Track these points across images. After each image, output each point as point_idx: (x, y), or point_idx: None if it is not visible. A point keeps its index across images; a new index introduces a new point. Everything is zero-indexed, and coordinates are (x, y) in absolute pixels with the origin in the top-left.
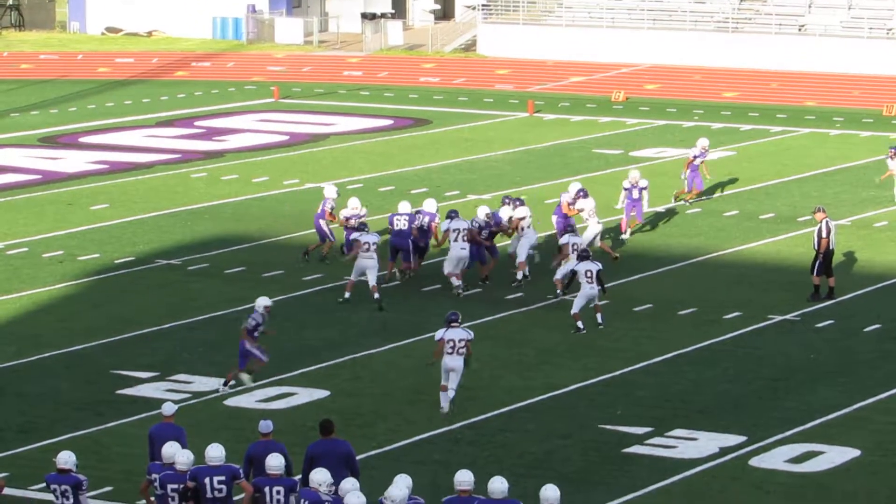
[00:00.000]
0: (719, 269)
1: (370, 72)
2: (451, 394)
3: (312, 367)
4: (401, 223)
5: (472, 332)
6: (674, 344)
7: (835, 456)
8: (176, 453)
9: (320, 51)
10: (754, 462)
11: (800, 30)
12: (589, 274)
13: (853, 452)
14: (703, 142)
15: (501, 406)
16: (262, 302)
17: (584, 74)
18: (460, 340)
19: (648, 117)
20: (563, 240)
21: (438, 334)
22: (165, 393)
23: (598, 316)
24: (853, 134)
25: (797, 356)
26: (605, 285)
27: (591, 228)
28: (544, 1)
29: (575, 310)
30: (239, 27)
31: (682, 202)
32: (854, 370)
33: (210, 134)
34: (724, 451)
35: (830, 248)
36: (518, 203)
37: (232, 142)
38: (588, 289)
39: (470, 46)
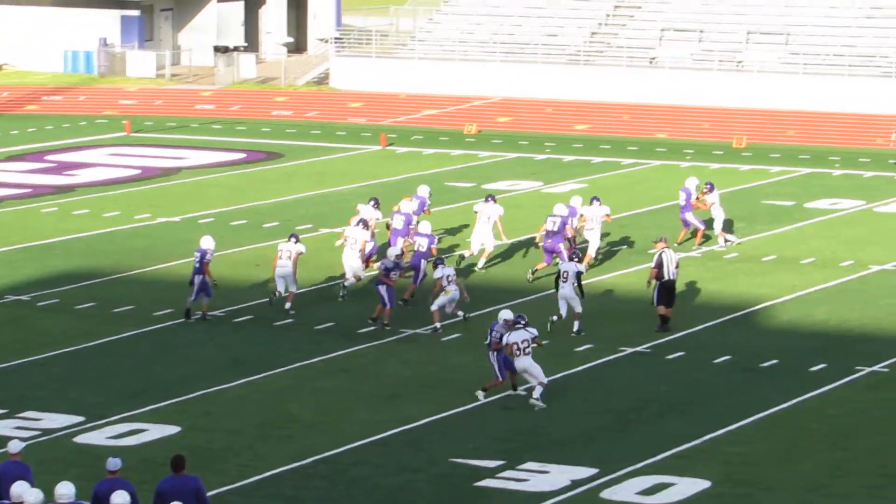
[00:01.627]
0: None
1: (222, 105)
2: (538, 391)
3: (163, 403)
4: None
5: (535, 330)
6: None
7: (685, 487)
8: (23, 492)
9: (172, 84)
10: (606, 494)
11: (650, 62)
12: (566, 275)
13: (703, 483)
14: (692, 182)
15: (354, 440)
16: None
17: (436, 107)
18: (523, 341)
19: (501, 150)
20: (436, 273)
21: (505, 339)
22: (14, 430)
23: (576, 324)
24: (704, 166)
25: (648, 388)
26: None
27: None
28: (397, 34)
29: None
30: (90, 61)
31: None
32: (704, 402)
33: (61, 168)
34: (575, 484)
35: (669, 278)
36: (439, 263)
37: (83, 176)
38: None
39: (323, 79)
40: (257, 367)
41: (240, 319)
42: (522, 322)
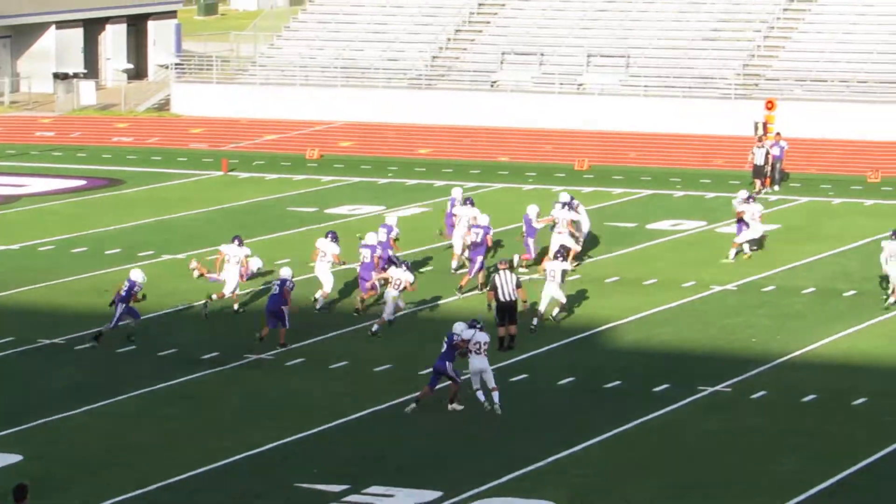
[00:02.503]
0: (417, 325)
1: (63, 132)
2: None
3: (5, 432)
4: (274, 287)
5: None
6: (371, 401)
7: None
8: None
9: (12, 111)
10: None
11: (492, 86)
12: (553, 273)
13: None
14: (533, 209)
15: (199, 466)
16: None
17: (278, 132)
18: (485, 343)
19: (343, 174)
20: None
21: (467, 334)
22: None
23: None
24: (546, 188)
25: (492, 411)
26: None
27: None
28: (238, 59)
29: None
30: None
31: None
32: (549, 423)
33: None
34: None
35: (505, 299)
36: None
37: None
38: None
39: (163, 105)
40: (101, 395)
41: (82, 347)
42: (479, 325)
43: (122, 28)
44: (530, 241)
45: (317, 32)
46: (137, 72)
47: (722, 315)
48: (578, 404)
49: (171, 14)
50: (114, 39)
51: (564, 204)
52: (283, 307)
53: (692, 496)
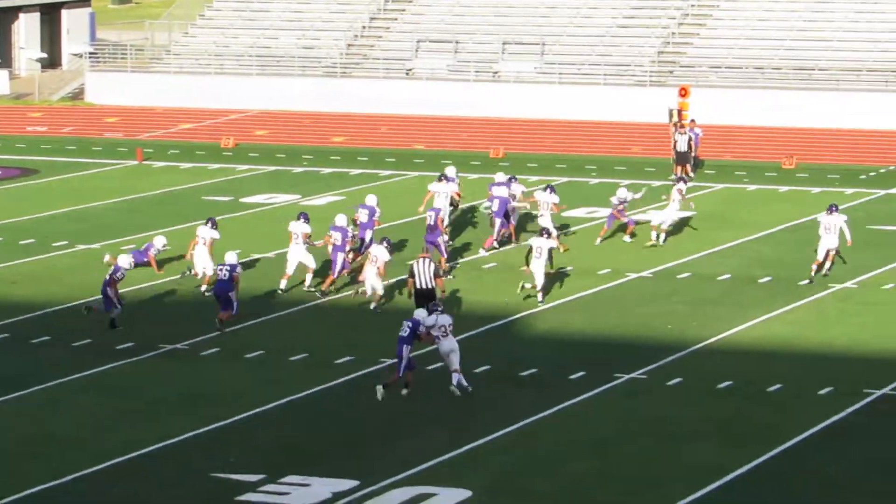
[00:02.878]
0: (330, 314)
1: None
2: (455, 378)
3: None
4: (222, 272)
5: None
6: (287, 389)
7: (446, 498)
8: None
9: None
10: None
11: (407, 74)
12: (539, 251)
13: (464, 493)
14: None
15: (115, 456)
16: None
17: (193, 121)
18: (450, 325)
19: (258, 163)
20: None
21: (429, 321)
22: None
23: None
24: (463, 176)
25: (408, 399)
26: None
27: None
28: (152, 48)
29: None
30: None
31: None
32: (465, 412)
33: None
34: (336, 497)
35: (422, 286)
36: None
37: None
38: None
39: (78, 94)
40: (15, 386)
41: (3, 336)
42: (440, 308)
43: (35, 17)
44: (497, 221)
45: (231, 21)
46: (51, 61)
47: (638, 302)
48: (495, 392)
49: (85, 3)
50: (27, 28)
51: (548, 187)
52: (230, 293)
53: (609, 483)
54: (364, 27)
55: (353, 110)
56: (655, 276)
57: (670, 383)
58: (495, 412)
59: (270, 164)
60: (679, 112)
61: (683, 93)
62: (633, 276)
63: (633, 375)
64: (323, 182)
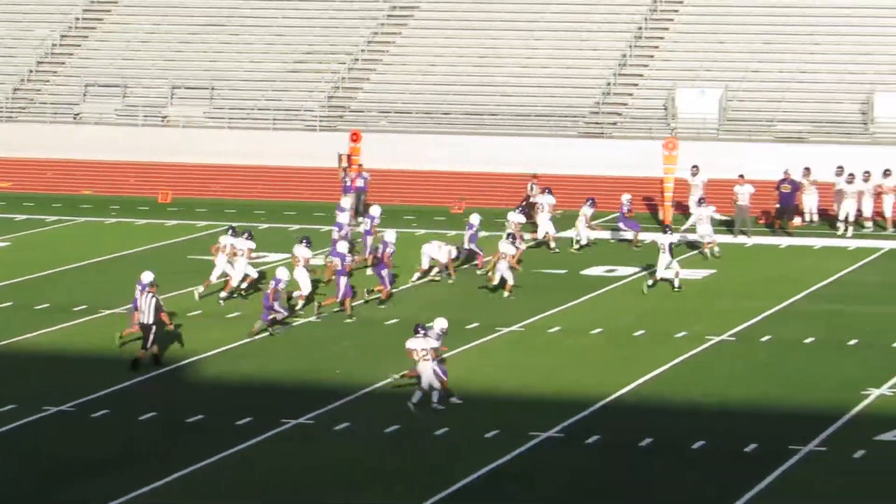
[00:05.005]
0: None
1: None
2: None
3: None
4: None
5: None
6: None
7: None
8: None
9: None
10: None
11: (75, 118)
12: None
13: None
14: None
15: None
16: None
17: None
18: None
19: None
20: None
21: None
22: None
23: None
24: (130, 222)
25: (75, 448)
26: None
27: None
28: None
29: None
30: None
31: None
32: (135, 459)
33: None
34: None
35: (144, 321)
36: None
37: None
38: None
39: None
40: None
41: None
42: (423, 331)
43: None
44: (472, 246)
45: None
46: None
47: (308, 347)
48: (163, 439)
49: None
50: None
51: (544, 189)
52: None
53: None
54: (31, 71)
55: (19, 155)
56: (324, 322)
57: (337, 428)
58: (161, 459)
59: None
60: (349, 157)
61: (355, 138)
62: (303, 321)
63: (299, 421)
64: None
